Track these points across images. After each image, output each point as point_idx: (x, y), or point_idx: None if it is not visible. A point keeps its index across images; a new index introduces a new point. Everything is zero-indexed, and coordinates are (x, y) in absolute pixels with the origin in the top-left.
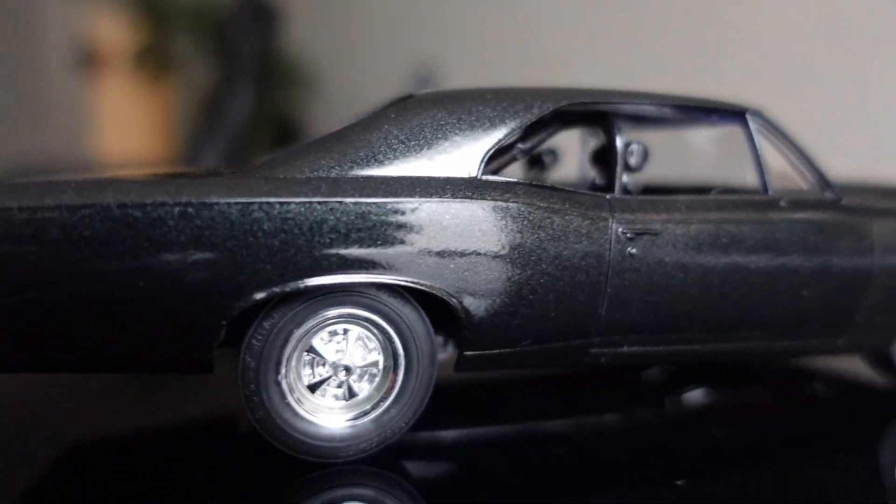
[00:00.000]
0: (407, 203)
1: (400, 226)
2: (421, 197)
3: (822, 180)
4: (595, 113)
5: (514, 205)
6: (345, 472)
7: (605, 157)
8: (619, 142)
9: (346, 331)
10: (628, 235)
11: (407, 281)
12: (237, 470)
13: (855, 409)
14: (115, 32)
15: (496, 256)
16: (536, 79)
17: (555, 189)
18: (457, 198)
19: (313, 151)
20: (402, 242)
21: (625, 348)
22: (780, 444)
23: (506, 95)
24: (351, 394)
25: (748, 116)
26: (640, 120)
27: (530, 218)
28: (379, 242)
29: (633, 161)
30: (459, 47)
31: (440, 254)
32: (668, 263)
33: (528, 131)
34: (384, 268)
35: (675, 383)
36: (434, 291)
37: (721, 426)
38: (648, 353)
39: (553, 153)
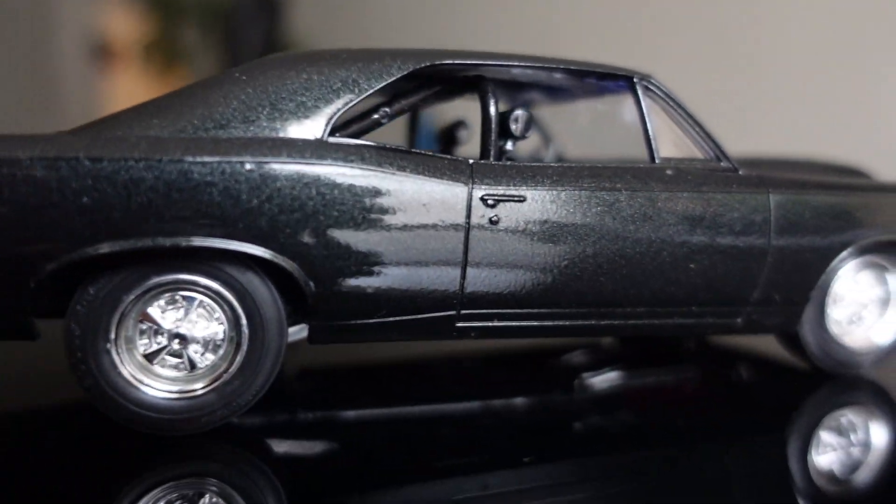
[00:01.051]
0: (235, 163)
1: (227, 187)
2: (252, 157)
3: (718, 150)
4: (472, 78)
5: (359, 169)
6: (188, 446)
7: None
8: (492, 108)
9: (189, 298)
10: (489, 202)
11: (232, 245)
12: (67, 442)
13: (767, 393)
14: (126, 26)
15: (338, 222)
16: None
17: (410, 153)
18: (293, 159)
19: (146, 110)
20: (230, 205)
21: (495, 322)
22: (674, 427)
23: (362, 56)
24: (193, 365)
25: (636, 81)
26: (526, 87)
27: (377, 182)
28: (203, 205)
29: (515, 128)
30: (469, 37)
31: (273, 217)
32: (536, 232)
33: (395, 94)
34: (209, 231)
35: (594, 366)
36: (267, 256)
37: (630, 409)
38: (523, 327)
39: (464, 124)
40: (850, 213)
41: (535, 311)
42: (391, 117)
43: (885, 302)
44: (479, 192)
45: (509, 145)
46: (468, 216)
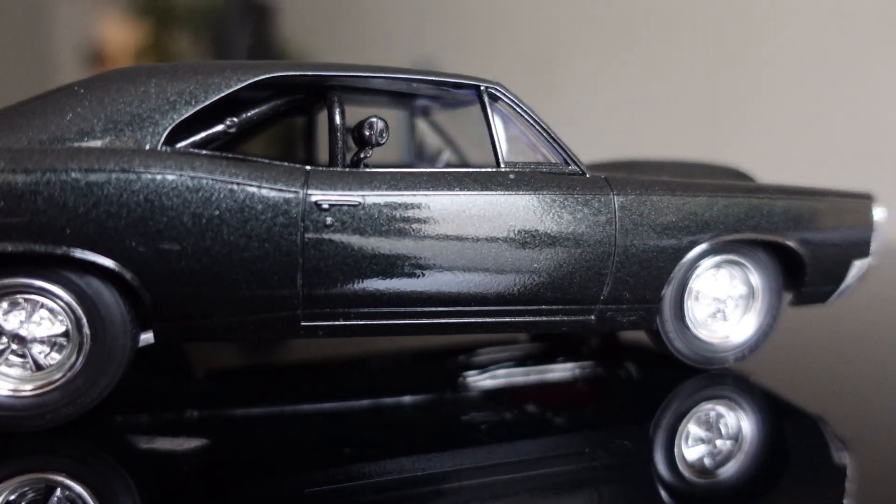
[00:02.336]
0: (60, 172)
1: (51, 195)
2: (79, 166)
3: (566, 154)
4: (320, 88)
5: (188, 176)
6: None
7: (351, 133)
8: (337, 117)
9: (33, 301)
10: (324, 206)
11: (62, 250)
12: None
13: (647, 388)
14: (119, 33)
15: (168, 228)
16: (539, 73)
17: (246, 161)
18: (119, 168)
19: None
20: (55, 212)
21: (341, 321)
22: (547, 422)
23: (202, 69)
24: (37, 364)
25: (483, 90)
26: (376, 95)
27: (208, 189)
28: (31, 212)
29: (370, 135)
30: (458, 43)
31: (102, 224)
32: (371, 235)
33: (240, 105)
34: (38, 236)
35: (485, 364)
36: (100, 261)
37: (510, 405)
38: (372, 326)
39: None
40: (697, 213)
41: (382, 310)
42: (238, 127)
43: (748, 298)
44: (313, 198)
45: (364, 153)
46: (303, 220)
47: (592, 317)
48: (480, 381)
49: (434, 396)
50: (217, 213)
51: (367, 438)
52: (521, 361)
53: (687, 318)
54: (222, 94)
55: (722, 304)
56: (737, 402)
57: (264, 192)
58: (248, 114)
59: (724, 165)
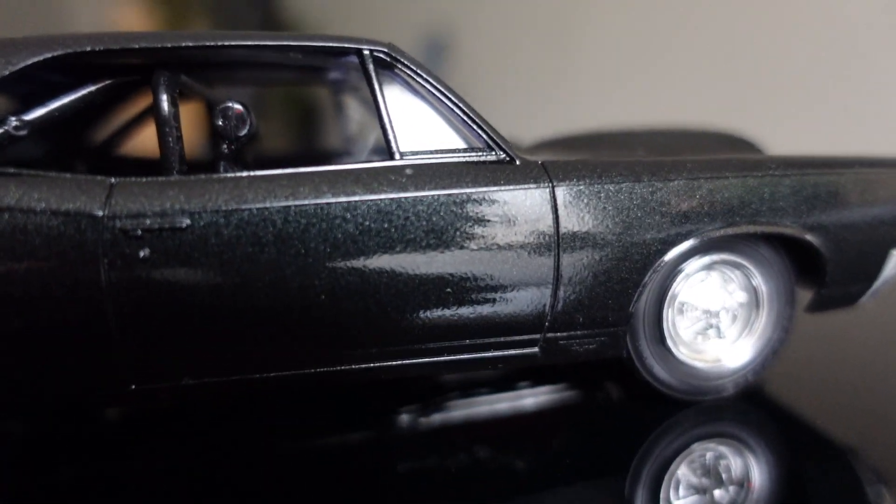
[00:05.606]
0: None
1: None
2: None
3: (487, 136)
4: (144, 68)
5: None
6: None
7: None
8: (164, 105)
9: None
10: (137, 234)
11: None
12: None
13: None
14: (134, 21)
15: None
16: (555, 45)
17: (15, 176)
18: None
19: None
20: None
21: (187, 380)
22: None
23: None
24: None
25: (367, 54)
26: (250, 71)
27: None
28: None
29: (225, 126)
30: (473, 14)
31: None
32: (206, 267)
33: (25, 98)
34: None
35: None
36: None
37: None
38: (224, 383)
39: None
40: (670, 203)
41: (241, 363)
42: (26, 126)
43: (750, 307)
44: (119, 223)
45: (226, 148)
46: (105, 254)
47: (536, 349)
48: (420, 417)
49: (358, 437)
50: None
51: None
52: (466, 389)
53: (668, 339)
54: None
55: (714, 317)
56: (740, 437)
57: (51, 219)
58: (47, 108)
59: (721, 131)
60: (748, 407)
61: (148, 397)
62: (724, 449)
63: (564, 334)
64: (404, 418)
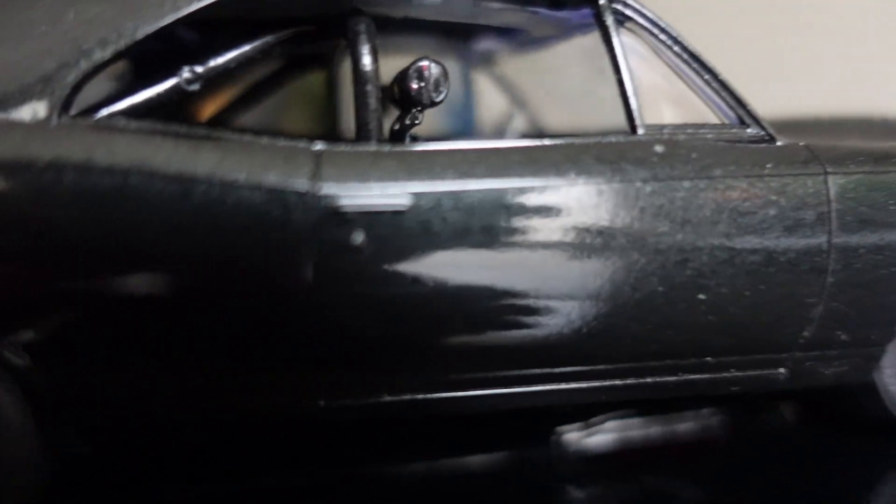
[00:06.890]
0: None
1: None
2: None
3: (743, 110)
4: (338, 15)
5: (102, 167)
6: None
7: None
8: (366, 58)
9: None
10: (351, 215)
11: None
12: None
13: (828, 452)
14: None
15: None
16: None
17: (207, 139)
18: None
19: None
20: None
21: (385, 397)
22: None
23: None
24: None
25: (603, 6)
26: (419, 33)
27: (135, 190)
28: None
29: (420, 89)
30: None
31: None
32: (426, 260)
33: (203, 47)
34: None
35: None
36: None
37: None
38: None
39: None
40: None
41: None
42: (205, 80)
43: None
44: (327, 202)
45: (411, 118)
46: (312, 241)
47: (783, 370)
48: (581, 438)
49: (513, 458)
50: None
51: None
52: (636, 408)
53: None
54: (155, 28)
55: None
56: None
57: (238, 192)
58: (221, 59)
59: None
60: None
61: (334, 415)
62: None
63: (817, 353)
64: (563, 439)
